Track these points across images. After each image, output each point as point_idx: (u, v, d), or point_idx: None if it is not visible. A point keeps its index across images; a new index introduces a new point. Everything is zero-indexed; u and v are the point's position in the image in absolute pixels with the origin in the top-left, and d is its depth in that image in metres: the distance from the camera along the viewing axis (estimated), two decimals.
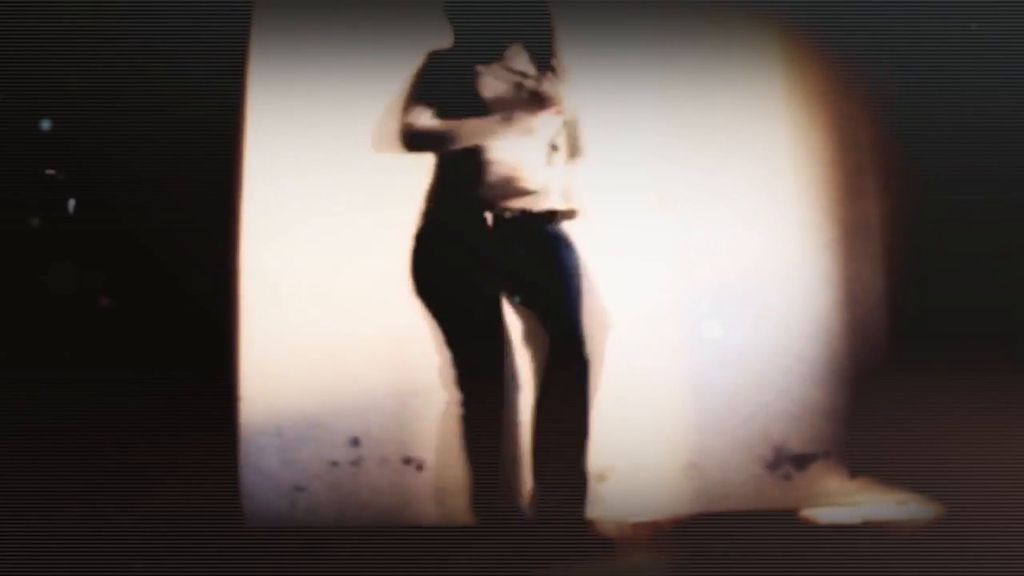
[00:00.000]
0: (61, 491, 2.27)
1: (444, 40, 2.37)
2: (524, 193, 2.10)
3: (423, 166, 2.55)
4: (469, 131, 2.11)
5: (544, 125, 2.15)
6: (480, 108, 2.13)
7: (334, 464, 2.55)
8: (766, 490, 2.68)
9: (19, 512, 2.16)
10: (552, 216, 2.17)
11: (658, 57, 2.81)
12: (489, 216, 2.07)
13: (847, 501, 2.65)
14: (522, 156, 2.11)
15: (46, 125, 2.61)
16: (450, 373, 2.08)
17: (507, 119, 2.11)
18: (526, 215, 2.10)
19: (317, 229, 2.60)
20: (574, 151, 2.34)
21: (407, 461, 2.58)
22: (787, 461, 2.71)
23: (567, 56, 2.74)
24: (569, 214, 2.23)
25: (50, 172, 2.64)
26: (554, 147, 2.23)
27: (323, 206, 2.60)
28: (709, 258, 2.76)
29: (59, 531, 2.11)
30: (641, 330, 2.69)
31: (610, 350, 2.67)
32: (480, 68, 2.20)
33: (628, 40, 2.80)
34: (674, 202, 2.78)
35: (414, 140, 2.14)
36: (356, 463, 2.57)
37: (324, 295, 2.59)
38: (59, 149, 2.63)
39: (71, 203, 2.65)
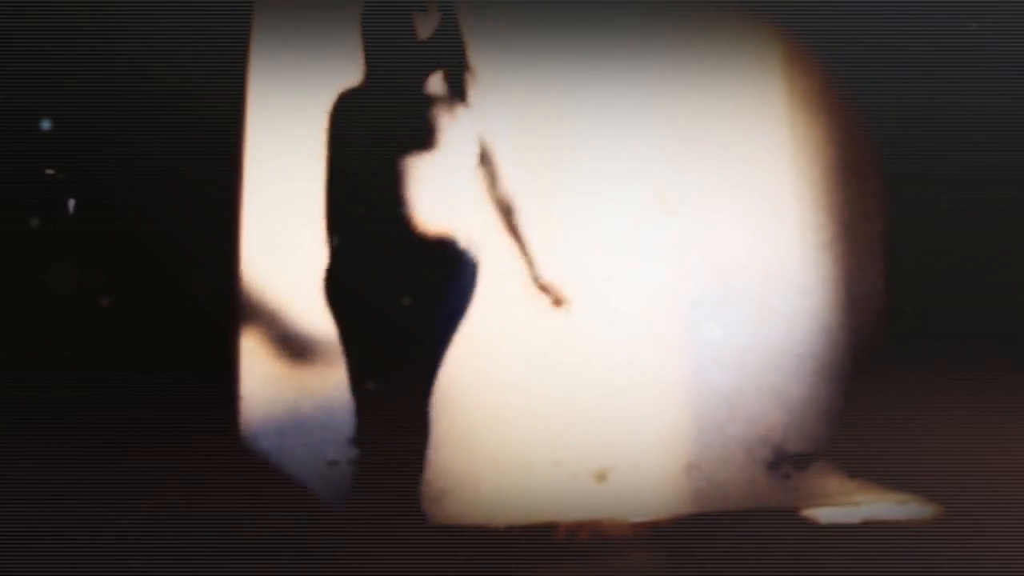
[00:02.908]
0: (61, 491, 2.27)
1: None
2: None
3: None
4: None
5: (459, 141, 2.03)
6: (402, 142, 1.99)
7: (334, 464, 2.55)
8: (766, 490, 2.68)
9: (19, 512, 2.16)
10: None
11: (658, 58, 2.82)
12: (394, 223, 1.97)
13: (847, 501, 2.65)
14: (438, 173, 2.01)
15: (46, 125, 2.61)
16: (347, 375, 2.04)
17: None
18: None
19: (317, 229, 2.60)
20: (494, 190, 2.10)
21: None
22: (787, 461, 2.71)
23: (568, 58, 2.75)
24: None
25: (50, 172, 2.64)
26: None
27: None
28: (709, 258, 2.76)
29: (59, 531, 2.11)
30: (641, 330, 2.69)
31: (611, 350, 2.67)
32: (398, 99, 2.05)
33: (628, 41, 2.80)
34: (674, 202, 2.78)
35: None
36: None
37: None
38: (59, 149, 2.63)
39: (71, 203, 2.65)
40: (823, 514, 2.60)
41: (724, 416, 2.71)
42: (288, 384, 2.58)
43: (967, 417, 2.56)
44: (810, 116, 2.90)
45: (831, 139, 2.90)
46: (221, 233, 2.62)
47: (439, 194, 1.99)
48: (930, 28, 2.78)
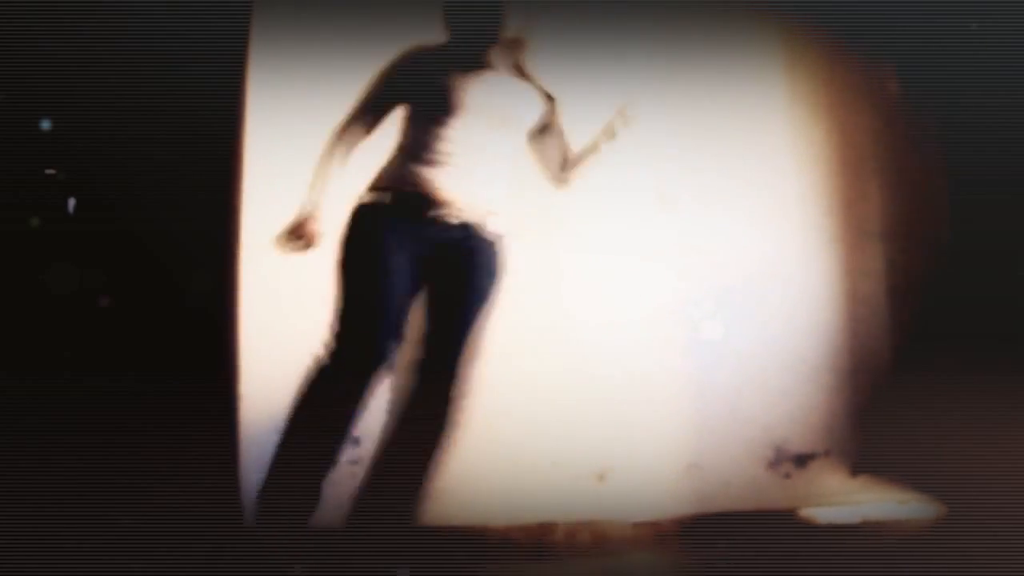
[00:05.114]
0: (61, 491, 2.27)
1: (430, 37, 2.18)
2: (457, 199, 1.98)
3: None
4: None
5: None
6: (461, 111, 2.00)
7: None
8: (766, 490, 2.68)
9: (19, 512, 2.16)
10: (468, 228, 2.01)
11: (660, 57, 2.81)
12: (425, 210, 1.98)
13: (847, 500, 2.64)
14: (476, 160, 2.00)
15: (46, 125, 2.61)
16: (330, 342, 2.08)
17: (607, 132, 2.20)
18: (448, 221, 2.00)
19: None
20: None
21: None
22: (788, 460, 2.71)
23: (569, 56, 2.75)
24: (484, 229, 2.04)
25: (50, 172, 2.65)
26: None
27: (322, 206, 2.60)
28: (710, 258, 2.76)
29: (59, 530, 2.11)
30: (642, 330, 2.69)
31: (611, 350, 2.67)
32: (468, 70, 2.07)
33: (630, 40, 2.80)
34: (675, 201, 2.78)
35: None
36: (356, 463, 2.56)
37: (324, 294, 2.59)
38: (59, 149, 2.64)
39: (71, 203, 2.65)
40: (823, 514, 2.59)
41: (725, 416, 2.70)
42: (288, 384, 2.57)
43: (969, 417, 2.55)
44: (813, 116, 2.90)
45: (833, 139, 2.90)
46: (221, 233, 2.62)
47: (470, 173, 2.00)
48: (933, 27, 2.78)
